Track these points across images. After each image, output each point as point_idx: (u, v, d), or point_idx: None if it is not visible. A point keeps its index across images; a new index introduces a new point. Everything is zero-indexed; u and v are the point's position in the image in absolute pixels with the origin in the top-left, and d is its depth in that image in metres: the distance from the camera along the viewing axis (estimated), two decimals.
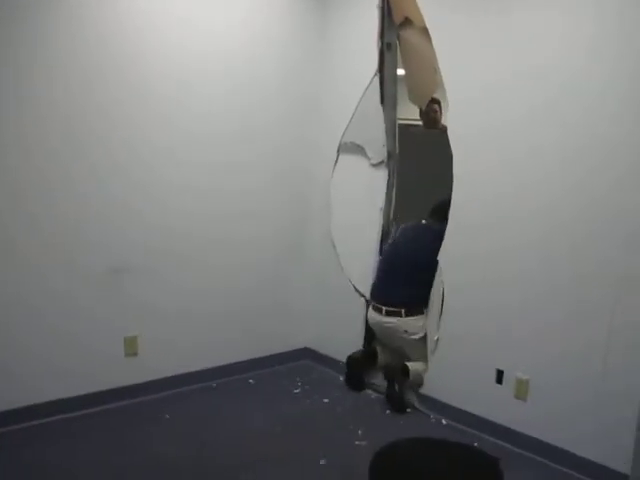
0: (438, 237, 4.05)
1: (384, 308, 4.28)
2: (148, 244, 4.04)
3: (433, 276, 4.10)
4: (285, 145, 4.62)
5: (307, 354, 4.99)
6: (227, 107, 4.26)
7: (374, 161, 4.42)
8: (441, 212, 4.12)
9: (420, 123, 5.14)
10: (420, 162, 4.54)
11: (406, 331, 4.22)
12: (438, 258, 4.03)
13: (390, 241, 4.46)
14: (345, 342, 4.62)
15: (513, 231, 3.65)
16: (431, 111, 4.98)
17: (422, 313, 4.20)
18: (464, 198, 3.88)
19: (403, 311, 4.20)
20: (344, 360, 4.52)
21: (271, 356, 4.78)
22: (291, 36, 4.52)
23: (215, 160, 4.26)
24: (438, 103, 4.83)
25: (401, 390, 4.12)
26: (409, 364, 4.16)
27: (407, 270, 4.25)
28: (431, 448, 2.68)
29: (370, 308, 4.43)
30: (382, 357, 4.47)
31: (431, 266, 4.09)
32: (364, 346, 4.55)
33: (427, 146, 4.62)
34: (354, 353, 4.49)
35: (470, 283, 3.88)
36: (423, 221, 4.40)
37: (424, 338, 4.18)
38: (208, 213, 4.29)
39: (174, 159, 4.07)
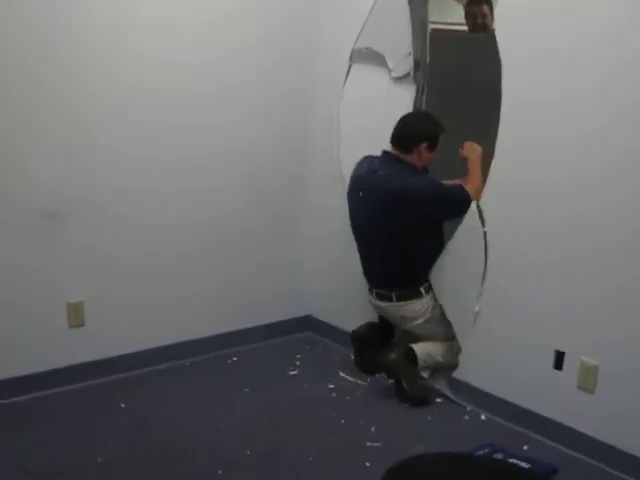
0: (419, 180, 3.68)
1: (374, 290, 3.91)
2: (101, 176, 3.72)
3: (434, 239, 3.80)
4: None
5: (309, 324, 4.75)
6: None
7: (397, 73, 4.04)
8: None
9: (459, 28, 4.66)
10: (458, 75, 4.22)
11: (403, 317, 3.87)
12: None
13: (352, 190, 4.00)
14: (357, 310, 4.30)
15: (589, 152, 3.23)
16: (479, 14, 4.49)
17: (420, 295, 3.81)
18: (518, 117, 3.48)
19: (394, 295, 3.82)
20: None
21: (262, 327, 4.51)
22: None
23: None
24: (488, 2, 4.34)
25: (412, 387, 3.77)
26: (415, 347, 3.79)
27: (381, 242, 3.82)
28: (463, 466, 2.36)
29: None
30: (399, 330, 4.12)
31: (423, 227, 3.73)
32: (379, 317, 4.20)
33: (467, 55, 4.28)
34: (360, 327, 4.12)
35: (525, 227, 3.49)
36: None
37: (437, 317, 3.85)
38: (182, 126, 3.93)
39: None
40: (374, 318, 4.19)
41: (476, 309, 3.71)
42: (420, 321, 3.83)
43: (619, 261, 3.17)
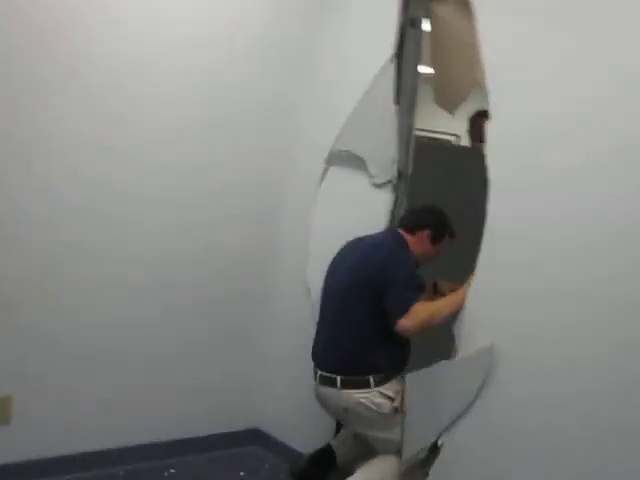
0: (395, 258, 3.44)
1: (318, 372, 3.57)
2: (35, 262, 3.64)
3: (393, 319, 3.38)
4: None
5: (257, 438, 4.59)
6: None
7: (379, 180, 3.94)
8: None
9: (446, 137, 4.71)
10: (442, 189, 4.13)
11: (346, 409, 3.48)
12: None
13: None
14: (310, 424, 4.13)
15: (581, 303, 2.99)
16: (480, 127, 4.41)
17: (366, 385, 3.42)
18: (505, 243, 3.31)
19: (338, 379, 3.46)
20: (307, 450, 3.87)
21: (206, 437, 4.34)
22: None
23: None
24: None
25: None
26: None
27: (340, 307, 3.55)
28: None
29: None
30: (343, 452, 3.77)
31: (389, 303, 3.39)
32: (336, 434, 3.93)
33: (453, 168, 4.24)
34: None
35: (510, 365, 3.20)
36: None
37: (389, 421, 3.47)
38: (143, 222, 3.95)
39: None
40: (328, 437, 3.94)
41: (440, 442, 3.41)
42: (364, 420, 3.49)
43: (609, 409, 2.88)
